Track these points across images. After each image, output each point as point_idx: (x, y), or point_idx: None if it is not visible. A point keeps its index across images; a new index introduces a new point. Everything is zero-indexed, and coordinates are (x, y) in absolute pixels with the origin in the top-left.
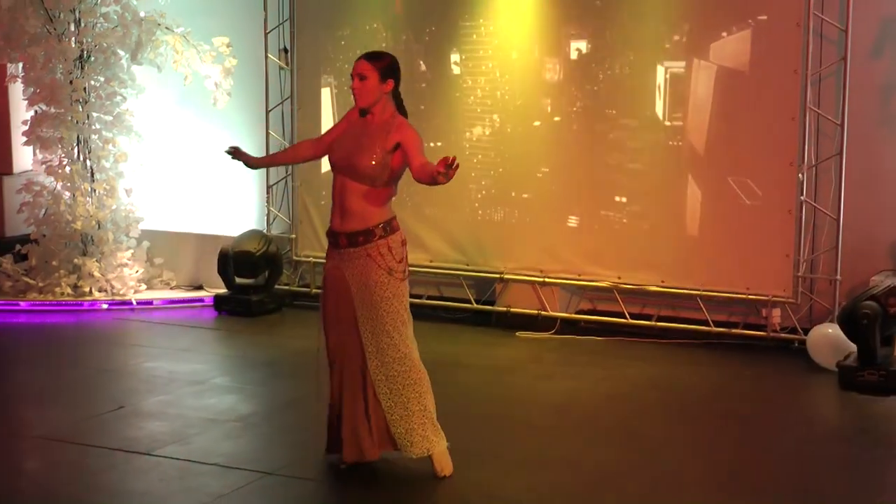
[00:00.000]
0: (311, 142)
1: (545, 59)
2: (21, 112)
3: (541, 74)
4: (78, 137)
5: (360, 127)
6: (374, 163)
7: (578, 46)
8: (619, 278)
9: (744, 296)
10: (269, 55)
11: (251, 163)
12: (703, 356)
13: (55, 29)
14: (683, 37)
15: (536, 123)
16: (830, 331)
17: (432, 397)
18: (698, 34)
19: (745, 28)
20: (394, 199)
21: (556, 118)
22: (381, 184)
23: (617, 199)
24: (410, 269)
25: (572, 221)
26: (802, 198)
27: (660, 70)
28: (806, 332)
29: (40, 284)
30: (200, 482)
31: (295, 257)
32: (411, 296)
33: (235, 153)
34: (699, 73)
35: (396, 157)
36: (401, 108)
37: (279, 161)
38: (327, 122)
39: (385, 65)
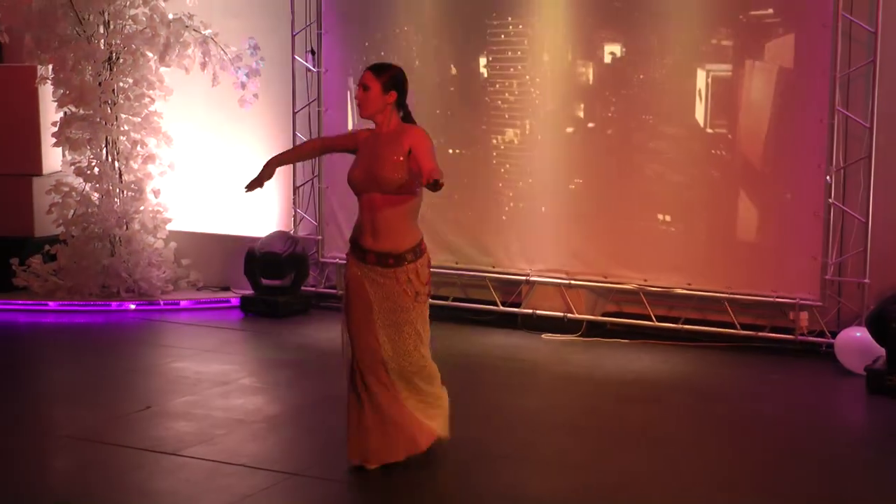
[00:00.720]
0: (319, 139)
1: (578, 62)
2: (51, 113)
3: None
4: (106, 139)
5: (372, 142)
6: (396, 168)
7: (612, 50)
8: (646, 281)
9: (771, 299)
10: (297, 57)
11: (267, 176)
12: (730, 359)
13: (84, 31)
14: (714, 40)
15: (569, 130)
16: (859, 334)
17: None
18: (727, 37)
19: (774, 30)
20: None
21: (591, 124)
22: (407, 189)
23: (643, 201)
24: (436, 270)
25: (598, 223)
26: (830, 200)
27: (697, 74)
28: (834, 335)
29: (69, 285)
30: (227, 482)
31: (321, 259)
32: (437, 297)
33: (253, 186)
34: (727, 76)
35: (412, 161)
36: (408, 120)
37: (286, 159)
38: (354, 122)
39: (389, 76)
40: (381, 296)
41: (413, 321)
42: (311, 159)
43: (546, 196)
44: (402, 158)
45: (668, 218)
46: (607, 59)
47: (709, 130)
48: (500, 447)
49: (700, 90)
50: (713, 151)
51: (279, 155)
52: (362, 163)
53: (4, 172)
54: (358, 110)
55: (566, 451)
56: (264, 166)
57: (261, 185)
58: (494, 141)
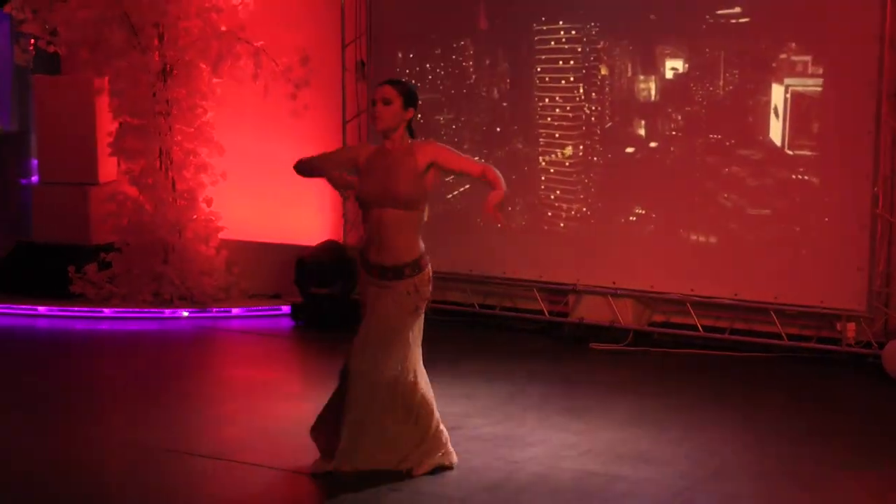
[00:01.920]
0: (324, 157)
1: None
2: (106, 124)
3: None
4: (160, 149)
5: (382, 158)
6: (412, 184)
7: (675, 65)
8: (692, 291)
9: (818, 309)
10: (347, 68)
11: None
12: (776, 369)
13: (139, 43)
14: (767, 53)
15: (630, 150)
16: None
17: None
18: (776, 49)
19: (822, 41)
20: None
21: (653, 143)
22: (416, 206)
23: (690, 214)
24: (486, 279)
25: (646, 235)
26: (877, 211)
27: (749, 88)
28: (881, 346)
29: (123, 292)
30: (275, 488)
31: None
32: (484, 306)
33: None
34: (776, 87)
35: (429, 177)
36: (413, 136)
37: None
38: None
39: (409, 92)
40: (375, 309)
41: (404, 337)
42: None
43: (599, 216)
44: (413, 178)
45: (712, 228)
46: (668, 73)
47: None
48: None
49: (771, 105)
50: (755, 161)
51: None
52: (374, 178)
53: (62, 181)
54: (374, 124)
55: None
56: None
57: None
58: (543, 163)
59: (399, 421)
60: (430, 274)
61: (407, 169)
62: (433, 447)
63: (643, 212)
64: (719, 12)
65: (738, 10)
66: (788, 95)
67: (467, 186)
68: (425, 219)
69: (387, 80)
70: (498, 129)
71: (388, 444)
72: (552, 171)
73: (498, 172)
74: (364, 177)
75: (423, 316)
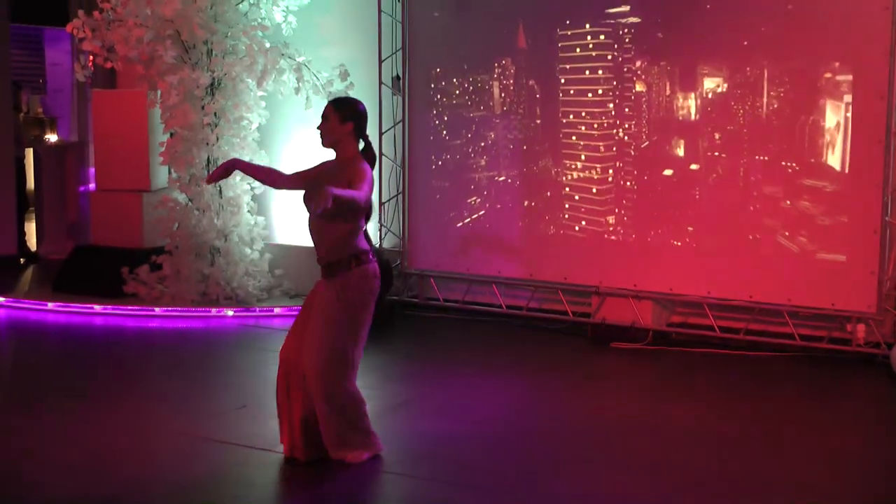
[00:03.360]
0: (290, 175)
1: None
2: (158, 134)
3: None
4: (208, 158)
5: (330, 169)
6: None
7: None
8: (709, 293)
9: (829, 311)
10: (383, 82)
11: (226, 174)
12: (789, 369)
13: (190, 59)
14: (778, 66)
15: (668, 172)
16: None
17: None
18: (790, 61)
19: (835, 55)
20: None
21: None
22: (342, 219)
23: (707, 219)
24: (511, 282)
25: (665, 240)
26: (888, 218)
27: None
28: (890, 346)
29: (172, 292)
30: (315, 477)
31: (405, 270)
32: (511, 307)
33: (210, 180)
34: (789, 99)
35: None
36: (367, 151)
37: (261, 176)
38: (435, 144)
39: (346, 109)
40: (318, 304)
41: (334, 332)
42: (278, 187)
43: (622, 224)
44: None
45: (729, 233)
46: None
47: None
48: (568, 451)
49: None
50: (772, 170)
51: (245, 163)
52: (316, 187)
53: (117, 188)
54: (321, 142)
55: (630, 452)
56: (228, 164)
57: (216, 180)
58: (572, 177)
59: (333, 411)
60: (369, 272)
61: (337, 182)
62: (362, 437)
63: (663, 219)
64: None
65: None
66: (804, 106)
67: (500, 196)
68: (363, 226)
69: (330, 99)
70: (524, 147)
71: (324, 434)
72: (579, 184)
73: (358, 198)
74: (316, 182)
75: (363, 312)
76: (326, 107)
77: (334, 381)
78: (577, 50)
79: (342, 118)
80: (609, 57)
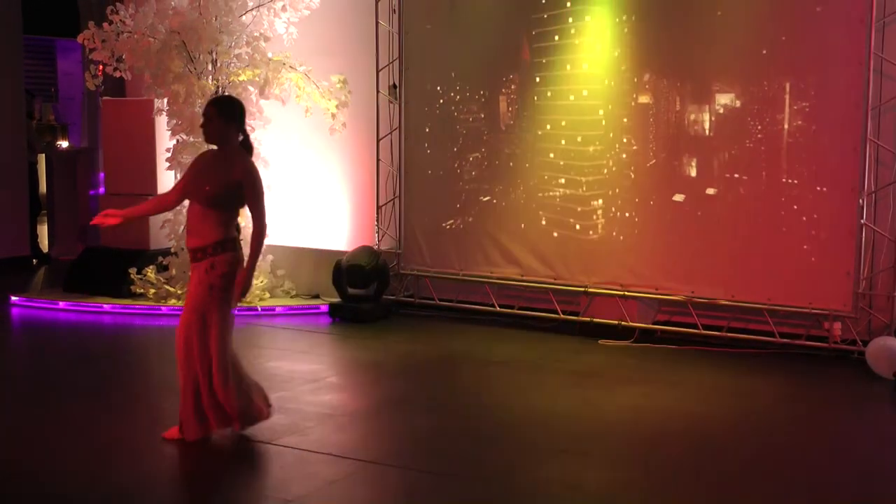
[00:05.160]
0: (172, 192)
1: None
2: (165, 141)
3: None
4: None
5: (211, 159)
6: (210, 188)
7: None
8: (693, 292)
9: (807, 310)
10: (380, 90)
11: (125, 217)
12: (769, 364)
13: (195, 68)
14: (764, 75)
15: (678, 198)
16: (888, 343)
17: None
18: (776, 73)
19: (811, 66)
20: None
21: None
22: (221, 208)
23: (690, 222)
24: (505, 282)
25: (651, 242)
26: (863, 221)
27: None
28: (865, 343)
29: (179, 292)
30: (315, 469)
31: (401, 270)
32: (503, 306)
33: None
34: (770, 107)
35: (239, 193)
36: (245, 143)
37: (144, 212)
38: (431, 149)
39: (228, 109)
40: (191, 289)
41: (202, 311)
42: (172, 208)
43: (610, 228)
44: (218, 184)
45: (713, 235)
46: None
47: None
48: (558, 443)
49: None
50: (752, 176)
51: (128, 211)
52: (194, 174)
53: (126, 192)
54: (205, 140)
55: (618, 447)
56: (112, 221)
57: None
58: (557, 194)
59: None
60: (240, 258)
61: (220, 175)
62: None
63: (649, 222)
64: None
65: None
66: (784, 114)
67: (489, 199)
68: (238, 219)
69: (211, 99)
70: (517, 153)
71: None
72: (568, 190)
73: (261, 243)
74: (191, 171)
75: (224, 301)
76: (209, 108)
77: (223, 353)
78: (568, 62)
79: (226, 118)
80: (599, 70)
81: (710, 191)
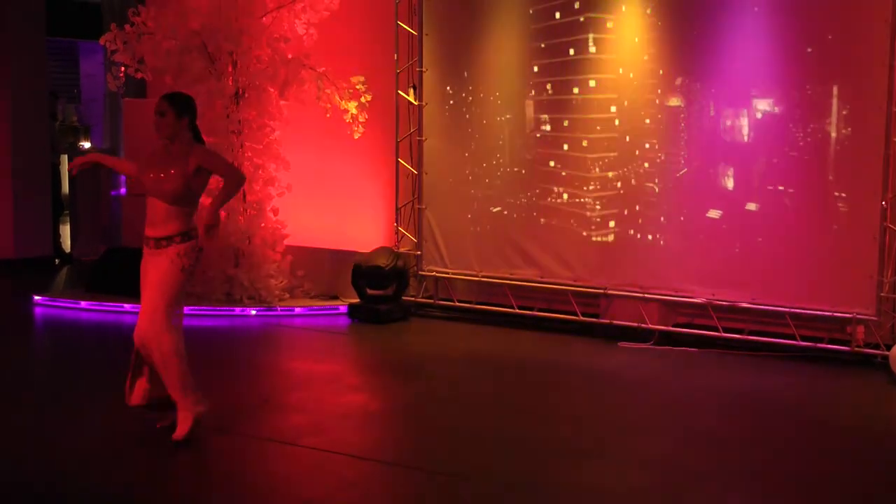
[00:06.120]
0: (130, 163)
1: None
2: None
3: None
4: (233, 163)
5: (163, 156)
6: (170, 187)
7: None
8: (714, 295)
9: (830, 313)
10: (399, 91)
11: (86, 165)
12: (791, 368)
13: (215, 70)
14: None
15: (714, 215)
16: None
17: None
18: (799, 76)
19: (835, 70)
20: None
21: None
22: (183, 203)
23: (712, 224)
24: (524, 283)
25: (671, 244)
26: (886, 224)
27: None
28: (888, 347)
29: (198, 292)
30: (335, 470)
31: (420, 272)
32: (523, 308)
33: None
34: (790, 108)
35: (198, 179)
36: (198, 139)
37: (108, 163)
38: (450, 150)
39: (181, 104)
40: (152, 269)
41: (162, 282)
42: (127, 173)
43: (631, 229)
44: (180, 179)
45: (734, 238)
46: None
47: (774, 160)
48: (578, 444)
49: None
50: (773, 178)
51: (102, 157)
52: (153, 171)
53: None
54: (156, 133)
55: (638, 448)
56: (88, 157)
57: (78, 168)
58: (577, 195)
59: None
60: (199, 245)
61: (178, 171)
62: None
63: (668, 224)
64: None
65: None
66: (806, 117)
67: (508, 201)
68: (193, 212)
69: (163, 94)
70: (536, 154)
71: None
72: (588, 192)
73: (236, 183)
74: (147, 167)
75: (185, 275)
76: (162, 103)
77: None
78: (587, 59)
79: (178, 113)
80: (619, 70)
81: (752, 206)
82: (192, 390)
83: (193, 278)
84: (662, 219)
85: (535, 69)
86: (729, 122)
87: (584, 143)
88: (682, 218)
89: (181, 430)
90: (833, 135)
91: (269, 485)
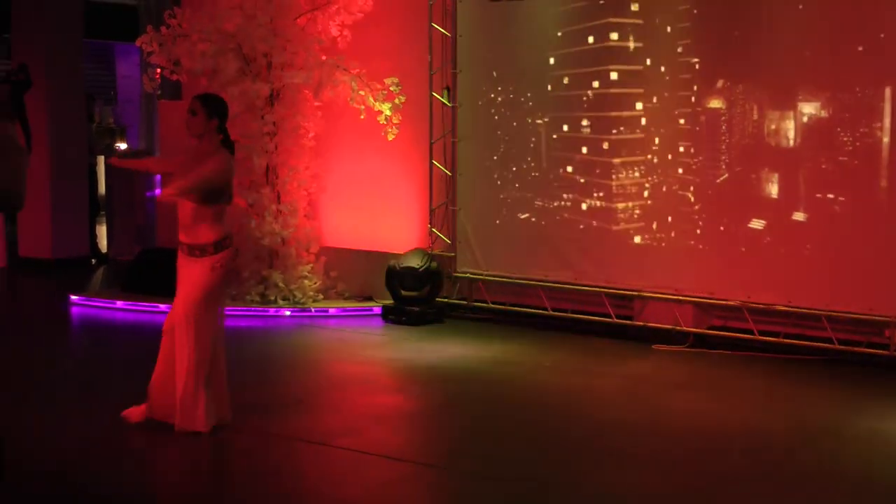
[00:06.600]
0: (162, 159)
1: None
2: None
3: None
4: (267, 165)
5: (192, 154)
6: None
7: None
8: (749, 298)
9: (867, 316)
10: (434, 93)
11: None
12: (827, 372)
13: (250, 71)
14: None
15: (758, 225)
16: None
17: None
18: (834, 73)
19: (889, 68)
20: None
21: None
22: (210, 201)
23: (748, 224)
24: (558, 285)
25: (706, 245)
26: None
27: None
28: None
29: (233, 293)
30: (368, 470)
31: (454, 273)
32: (556, 310)
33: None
34: (832, 110)
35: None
36: (227, 142)
37: (137, 166)
38: (484, 152)
39: (212, 105)
40: (186, 278)
41: (197, 286)
42: (156, 172)
43: (662, 218)
44: None
45: (769, 238)
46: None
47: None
48: (609, 446)
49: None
50: (808, 177)
51: (137, 163)
52: (182, 170)
53: None
54: (186, 131)
55: (668, 450)
56: (125, 163)
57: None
58: (611, 196)
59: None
60: (236, 251)
61: (200, 168)
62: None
63: (704, 225)
64: None
65: None
66: (846, 116)
67: (541, 203)
68: (221, 212)
69: (196, 94)
70: (571, 156)
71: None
72: (623, 192)
73: (186, 190)
74: (182, 167)
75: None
76: (194, 102)
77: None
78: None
79: (209, 114)
80: (662, 67)
81: (800, 216)
82: (203, 407)
83: (231, 283)
84: (700, 226)
85: (565, 80)
86: (773, 126)
87: (607, 146)
88: (721, 228)
89: (185, 424)
90: (885, 139)
91: (303, 485)
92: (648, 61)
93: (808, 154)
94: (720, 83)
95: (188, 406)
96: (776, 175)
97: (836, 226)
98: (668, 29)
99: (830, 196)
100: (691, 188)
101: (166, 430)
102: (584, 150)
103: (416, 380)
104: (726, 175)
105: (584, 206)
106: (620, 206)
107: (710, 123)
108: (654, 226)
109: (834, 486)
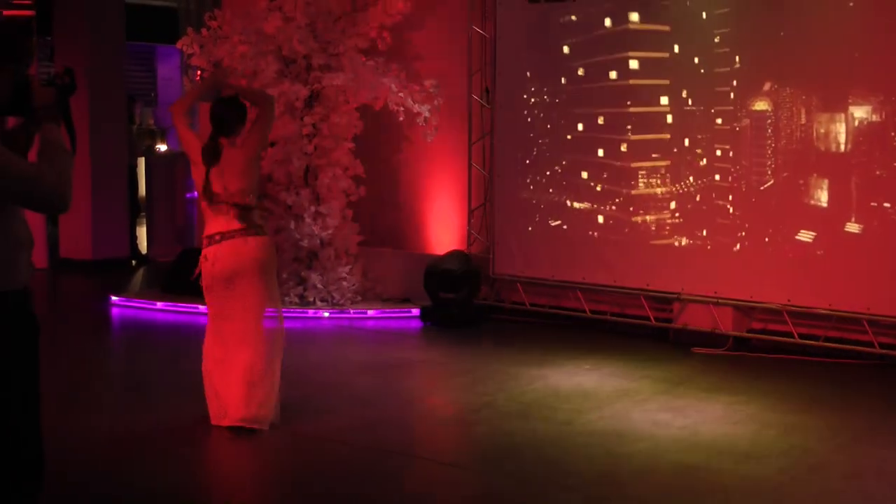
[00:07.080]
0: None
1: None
2: None
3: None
4: (306, 166)
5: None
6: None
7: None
8: (789, 301)
9: None
10: (473, 95)
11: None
12: (869, 376)
13: (290, 73)
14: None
15: (807, 237)
16: None
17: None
18: (888, 75)
19: None
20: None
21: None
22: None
23: (787, 228)
24: (595, 288)
25: (745, 248)
26: None
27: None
28: None
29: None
30: (405, 473)
31: (492, 275)
32: (595, 312)
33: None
34: (871, 108)
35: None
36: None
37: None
38: (521, 154)
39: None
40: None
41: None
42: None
43: (699, 220)
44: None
45: (810, 242)
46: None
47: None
48: (650, 451)
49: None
50: (849, 179)
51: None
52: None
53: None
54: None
55: (709, 458)
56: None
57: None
58: (651, 199)
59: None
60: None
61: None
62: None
63: (744, 228)
64: None
65: None
66: (883, 115)
67: (580, 205)
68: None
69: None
70: (609, 158)
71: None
72: (663, 196)
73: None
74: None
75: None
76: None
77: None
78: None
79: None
80: (696, 61)
81: (853, 227)
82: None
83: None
84: (742, 234)
85: (607, 74)
86: (822, 130)
87: (656, 154)
88: (766, 239)
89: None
90: None
91: (335, 487)
92: (697, 64)
93: (861, 160)
94: (767, 86)
95: (254, 402)
96: (826, 182)
97: (888, 234)
98: (726, 49)
99: (887, 205)
100: (729, 197)
101: (213, 430)
102: (625, 155)
103: (454, 382)
104: (772, 181)
105: (623, 211)
106: (661, 212)
107: (754, 126)
108: (698, 232)
109: (876, 489)
